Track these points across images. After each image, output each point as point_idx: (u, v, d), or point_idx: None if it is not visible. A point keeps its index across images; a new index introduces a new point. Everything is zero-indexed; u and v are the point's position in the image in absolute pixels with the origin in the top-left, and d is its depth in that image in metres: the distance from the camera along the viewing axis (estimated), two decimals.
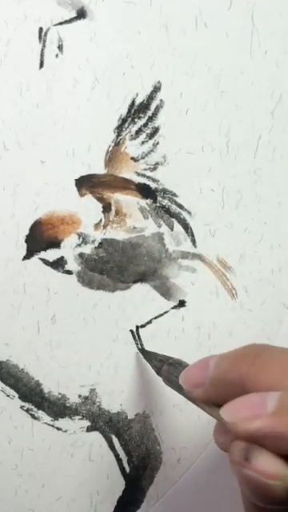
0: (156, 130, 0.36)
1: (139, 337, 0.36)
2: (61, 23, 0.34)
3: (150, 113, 0.36)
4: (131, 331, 0.36)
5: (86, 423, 0.36)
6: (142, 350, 0.36)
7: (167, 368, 0.32)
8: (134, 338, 0.36)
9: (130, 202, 0.36)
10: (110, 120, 0.35)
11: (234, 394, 0.24)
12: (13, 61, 0.34)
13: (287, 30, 0.37)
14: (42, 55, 0.34)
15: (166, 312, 0.37)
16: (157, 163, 0.36)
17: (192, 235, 0.37)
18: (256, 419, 0.23)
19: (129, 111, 0.35)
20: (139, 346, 0.36)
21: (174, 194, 0.37)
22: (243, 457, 0.23)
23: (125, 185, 0.36)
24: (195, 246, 0.37)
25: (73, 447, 0.36)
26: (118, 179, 0.36)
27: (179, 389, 0.29)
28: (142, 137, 0.36)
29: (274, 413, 0.22)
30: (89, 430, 0.36)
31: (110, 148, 0.36)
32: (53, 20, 0.34)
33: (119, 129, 0.36)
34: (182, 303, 0.37)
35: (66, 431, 0.36)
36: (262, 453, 0.22)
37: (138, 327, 0.36)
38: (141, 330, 0.37)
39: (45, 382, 0.36)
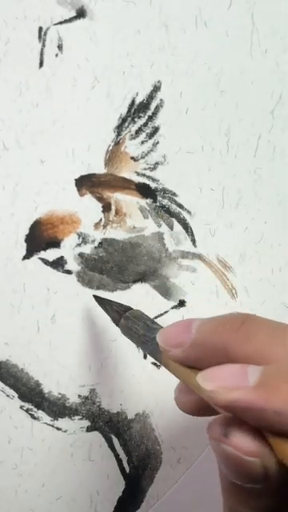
0: (156, 130, 0.36)
1: None
2: (60, 22, 0.34)
3: (149, 112, 0.36)
4: None
5: (86, 423, 0.36)
6: (97, 297, 0.35)
7: (124, 322, 0.31)
8: None
9: (129, 201, 0.36)
10: (110, 119, 0.35)
11: (214, 360, 0.24)
12: (12, 60, 0.34)
13: (287, 29, 0.37)
14: (41, 54, 0.34)
15: (165, 312, 0.37)
16: (157, 163, 0.36)
17: (192, 235, 0.37)
18: (236, 390, 0.22)
19: (129, 111, 0.35)
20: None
21: (174, 194, 0.36)
22: (222, 433, 0.22)
23: (125, 184, 0.36)
24: (195, 246, 0.37)
25: (73, 447, 0.36)
26: (118, 179, 0.36)
27: (139, 342, 0.29)
28: (142, 136, 0.36)
29: (255, 386, 0.22)
30: (89, 429, 0.36)
31: (110, 147, 0.36)
32: (52, 19, 0.34)
33: (119, 128, 0.36)
34: (181, 303, 0.37)
35: (65, 431, 0.36)
36: (241, 429, 0.22)
37: None
38: None
39: (44, 381, 0.36)
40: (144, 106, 0.36)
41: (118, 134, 0.36)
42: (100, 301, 0.35)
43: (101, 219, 0.36)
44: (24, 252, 0.35)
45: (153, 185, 0.36)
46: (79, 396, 0.36)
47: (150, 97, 0.36)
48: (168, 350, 0.26)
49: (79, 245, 0.36)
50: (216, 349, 0.24)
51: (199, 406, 0.25)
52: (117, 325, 0.33)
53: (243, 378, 0.22)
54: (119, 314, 0.32)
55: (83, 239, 0.36)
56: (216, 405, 0.23)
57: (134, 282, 0.36)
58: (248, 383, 0.22)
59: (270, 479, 0.22)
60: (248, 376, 0.22)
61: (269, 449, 0.22)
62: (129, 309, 0.32)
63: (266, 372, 0.22)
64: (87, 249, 0.36)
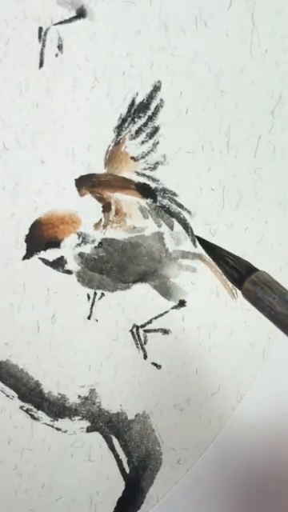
0: (156, 130, 0.36)
1: (139, 337, 0.36)
2: (60, 22, 0.34)
3: (149, 112, 0.36)
4: (131, 331, 0.36)
5: (86, 424, 0.36)
6: (202, 241, 0.29)
7: (252, 288, 0.25)
8: (134, 337, 0.36)
9: (129, 201, 0.36)
10: (110, 119, 0.35)
11: None
12: (12, 60, 0.34)
13: (287, 29, 0.37)
14: (41, 55, 0.34)
15: (166, 312, 0.37)
16: (157, 163, 0.36)
17: (192, 235, 0.37)
18: None
19: (129, 111, 0.35)
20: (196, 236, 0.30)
21: (174, 194, 0.36)
22: None
23: (125, 184, 0.36)
24: (195, 246, 0.37)
25: (72, 447, 0.36)
26: (118, 179, 0.36)
27: (270, 317, 0.24)
28: (142, 136, 0.36)
29: None
30: (88, 430, 0.36)
31: (110, 147, 0.36)
32: (52, 19, 0.34)
33: (119, 128, 0.36)
34: (182, 303, 0.37)
35: (65, 431, 0.36)
36: None
37: (137, 327, 0.36)
38: (141, 330, 0.36)
39: (44, 382, 0.35)
40: (144, 106, 0.36)
41: (118, 134, 0.36)
42: (208, 247, 0.29)
43: (101, 219, 0.36)
44: (24, 252, 0.35)
45: (153, 185, 0.36)
46: (79, 396, 0.36)
47: (150, 97, 0.36)
48: None
49: (79, 245, 0.36)
50: None
51: None
52: (235, 284, 0.26)
53: None
54: (239, 272, 0.26)
55: (83, 239, 0.36)
56: None
57: (134, 282, 0.36)
58: None
59: None
60: None
61: None
62: (252, 269, 0.26)
63: None
64: (87, 249, 0.36)
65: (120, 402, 0.36)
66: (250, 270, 0.26)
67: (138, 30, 0.35)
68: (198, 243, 0.37)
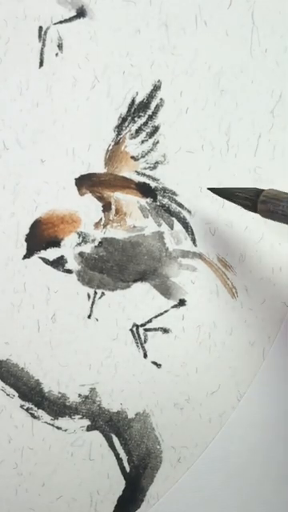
0: (156, 129, 0.36)
1: (139, 336, 0.36)
2: (60, 22, 0.34)
3: (149, 111, 0.36)
4: (131, 330, 0.36)
5: (86, 422, 0.36)
6: (214, 189, 0.32)
7: (264, 207, 0.28)
8: (134, 337, 0.36)
9: (129, 200, 0.36)
10: (110, 119, 0.35)
11: None
12: (12, 60, 0.34)
13: (287, 28, 0.37)
14: (41, 54, 0.34)
15: (166, 311, 0.37)
16: (157, 162, 0.36)
17: (192, 234, 0.37)
18: None
19: (129, 110, 0.35)
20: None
21: (174, 193, 0.36)
22: None
23: (125, 184, 0.36)
24: (195, 245, 0.37)
25: (73, 446, 0.36)
26: (118, 178, 0.36)
27: (282, 219, 0.27)
28: (142, 136, 0.36)
29: None
30: (89, 429, 0.36)
31: (110, 147, 0.36)
32: (52, 19, 0.34)
33: (119, 128, 0.36)
34: (182, 302, 0.37)
35: (65, 430, 0.36)
36: None
37: (138, 326, 0.36)
38: (141, 329, 0.36)
39: (45, 381, 0.36)
40: (144, 106, 0.36)
41: (118, 134, 0.36)
42: (220, 192, 0.32)
43: (101, 218, 0.36)
44: (24, 251, 0.35)
45: (153, 184, 0.36)
46: (79, 395, 0.36)
47: (150, 96, 0.36)
48: None
49: (79, 244, 0.36)
50: None
51: None
52: (253, 211, 0.29)
53: None
54: (251, 200, 0.29)
55: (83, 238, 0.36)
56: None
57: (135, 281, 0.36)
58: None
59: None
60: None
61: None
62: (259, 191, 0.29)
63: None
64: (87, 248, 0.36)
65: (120, 400, 0.37)
66: (258, 193, 0.28)
67: (138, 30, 0.35)
68: (198, 242, 0.37)
